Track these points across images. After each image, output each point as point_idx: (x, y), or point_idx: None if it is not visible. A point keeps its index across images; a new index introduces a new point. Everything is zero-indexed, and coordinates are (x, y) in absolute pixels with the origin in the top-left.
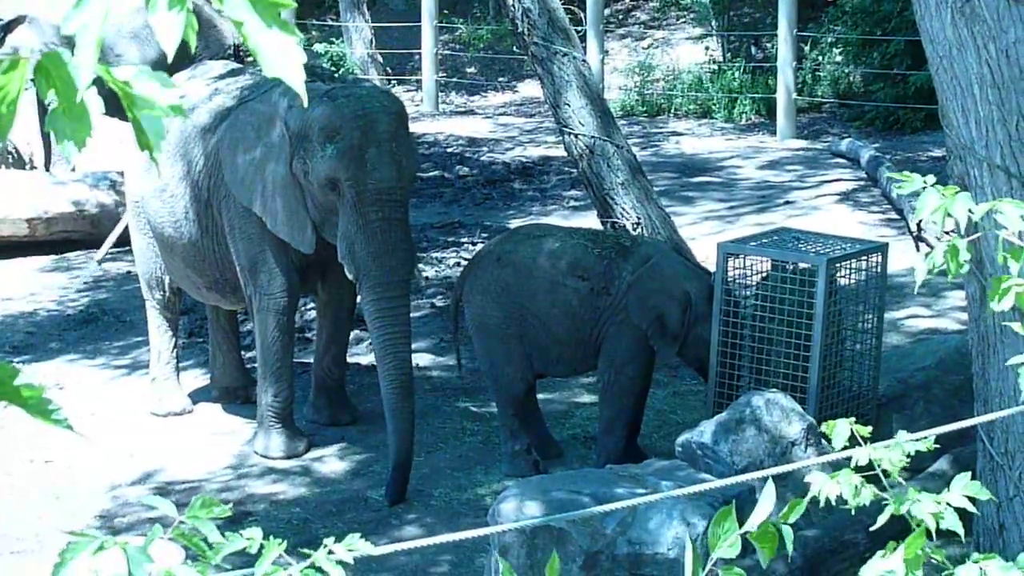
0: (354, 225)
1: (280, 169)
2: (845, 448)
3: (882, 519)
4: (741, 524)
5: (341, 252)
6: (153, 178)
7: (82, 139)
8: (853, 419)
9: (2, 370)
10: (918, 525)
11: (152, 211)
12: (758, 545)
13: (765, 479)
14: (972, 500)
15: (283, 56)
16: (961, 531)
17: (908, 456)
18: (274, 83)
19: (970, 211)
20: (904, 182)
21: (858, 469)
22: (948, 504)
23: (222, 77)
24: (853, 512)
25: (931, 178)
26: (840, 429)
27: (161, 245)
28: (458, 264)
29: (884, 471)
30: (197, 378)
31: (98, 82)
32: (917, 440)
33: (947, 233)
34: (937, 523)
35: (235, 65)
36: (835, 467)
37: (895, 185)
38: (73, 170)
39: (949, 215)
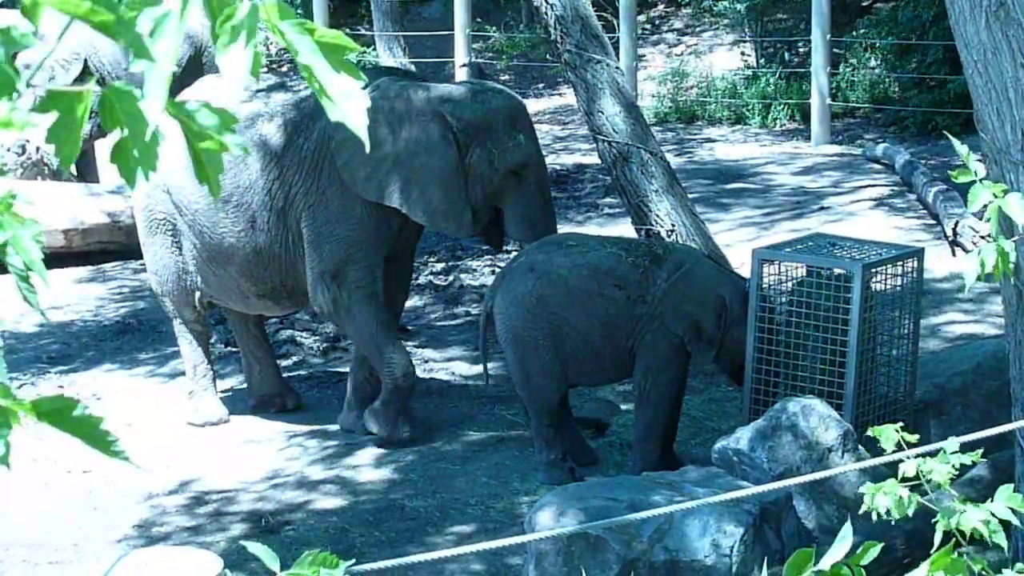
0: (535, 205)
1: (441, 160)
2: (889, 454)
3: (937, 538)
4: (779, 534)
5: (522, 233)
6: (204, 192)
7: (148, 171)
8: (900, 424)
9: (61, 401)
10: (962, 535)
11: (208, 224)
12: None
13: (802, 485)
14: (1014, 510)
15: (348, 100)
16: (1006, 544)
17: (955, 468)
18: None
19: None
20: (961, 171)
21: (902, 479)
22: (994, 516)
23: (270, 90)
24: (892, 521)
25: (983, 170)
26: (888, 434)
27: (210, 257)
28: (493, 272)
29: (928, 480)
30: (233, 388)
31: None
32: (965, 452)
33: (983, 237)
34: (983, 534)
35: (272, 78)
36: (873, 473)
37: (951, 173)
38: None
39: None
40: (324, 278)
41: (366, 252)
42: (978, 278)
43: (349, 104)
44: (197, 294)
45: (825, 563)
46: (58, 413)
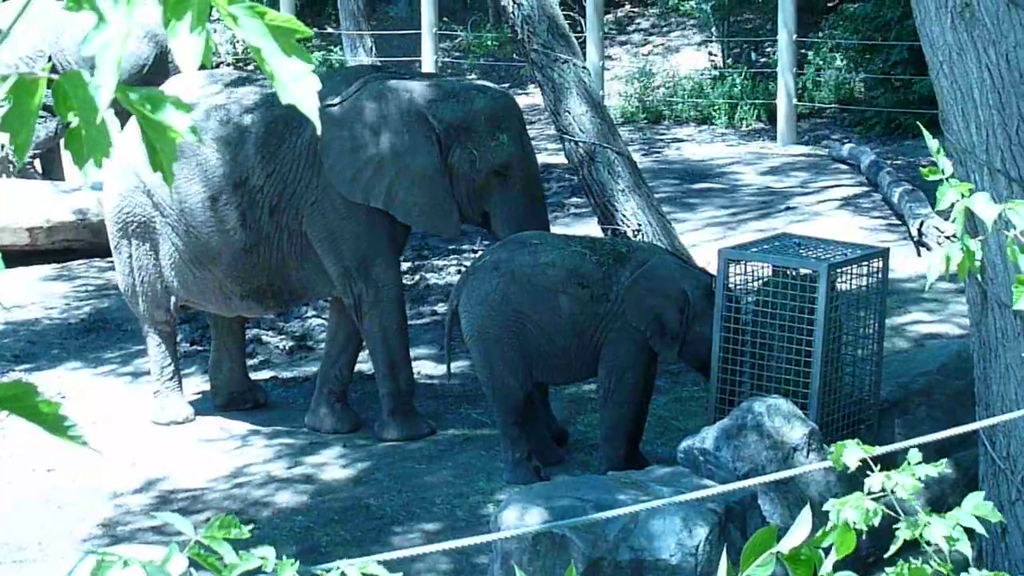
0: (522, 205)
1: (424, 161)
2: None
3: (894, 547)
4: (744, 533)
5: (509, 233)
6: (193, 190)
7: (100, 159)
8: (858, 439)
9: (19, 387)
10: (928, 543)
11: (195, 222)
12: (791, 568)
13: (768, 485)
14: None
15: (298, 83)
16: (970, 553)
17: (920, 480)
18: (344, 84)
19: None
20: (931, 171)
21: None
22: (960, 526)
23: (241, 83)
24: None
25: (950, 168)
26: (851, 452)
27: (192, 257)
28: (459, 271)
29: (892, 492)
30: (199, 386)
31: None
32: (930, 464)
33: (948, 238)
34: (950, 544)
35: (240, 73)
36: (838, 473)
37: (922, 170)
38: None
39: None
40: (350, 275)
41: (382, 247)
42: (942, 277)
43: (300, 87)
44: (173, 298)
45: (784, 546)
46: (15, 399)
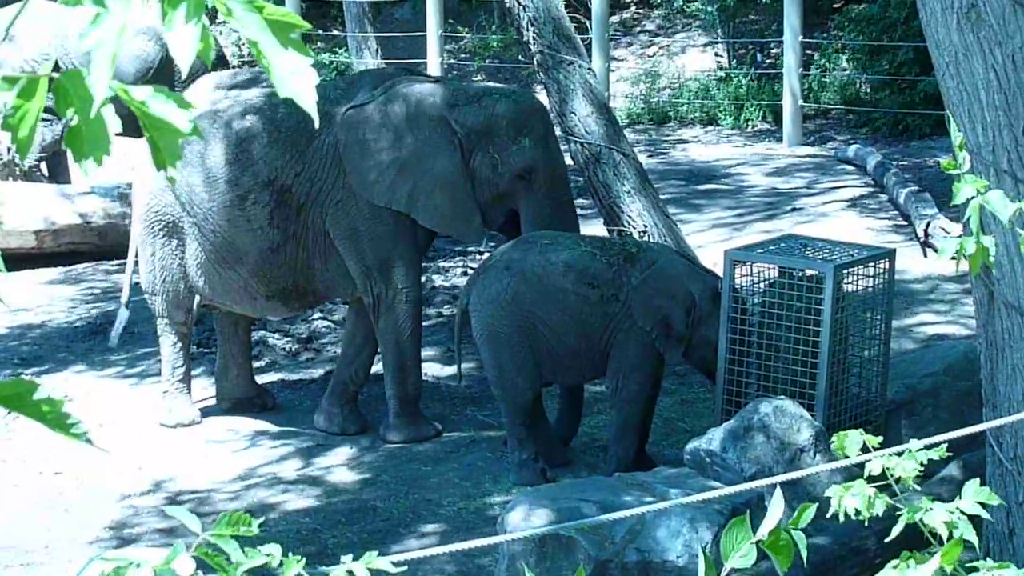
0: (548, 208)
1: (446, 165)
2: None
3: (896, 530)
4: (754, 533)
5: None
6: (220, 190)
7: (100, 156)
8: (862, 430)
9: (21, 385)
10: (933, 535)
11: (223, 221)
12: (772, 554)
13: (774, 486)
14: (983, 506)
15: (297, 77)
16: (975, 539)
17: (922, 464)
18: (371, 87)
19: (992, 213)
20: (949, 164)
21: (870, 478)
22: (962, 512)
23: (252, 84)
24: (866, 522)
25: (968, 163)
26: (852, 439)
27: (219, 258)
28: (465, 273)
29: (897, 479)
30: (206, 389)
31: (115, 102)
32: (930, 449)
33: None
34: (951, 532)
35: (247, 73)
36: (845, 474)
37: (943, 162)
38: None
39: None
40: (371, 275)
41: (404, 250)
42: (951, 277)
43: (299, 82)
44: (197, 297)
45: (762, 531)
46: (18, 397)
